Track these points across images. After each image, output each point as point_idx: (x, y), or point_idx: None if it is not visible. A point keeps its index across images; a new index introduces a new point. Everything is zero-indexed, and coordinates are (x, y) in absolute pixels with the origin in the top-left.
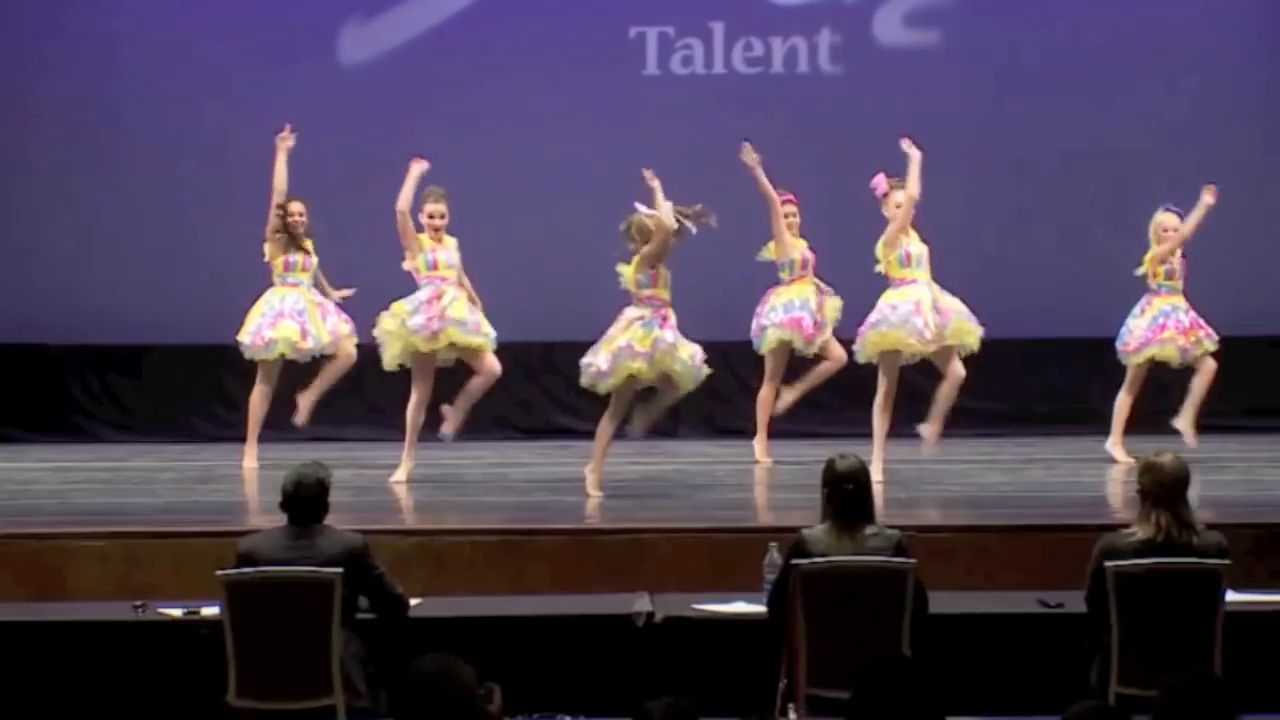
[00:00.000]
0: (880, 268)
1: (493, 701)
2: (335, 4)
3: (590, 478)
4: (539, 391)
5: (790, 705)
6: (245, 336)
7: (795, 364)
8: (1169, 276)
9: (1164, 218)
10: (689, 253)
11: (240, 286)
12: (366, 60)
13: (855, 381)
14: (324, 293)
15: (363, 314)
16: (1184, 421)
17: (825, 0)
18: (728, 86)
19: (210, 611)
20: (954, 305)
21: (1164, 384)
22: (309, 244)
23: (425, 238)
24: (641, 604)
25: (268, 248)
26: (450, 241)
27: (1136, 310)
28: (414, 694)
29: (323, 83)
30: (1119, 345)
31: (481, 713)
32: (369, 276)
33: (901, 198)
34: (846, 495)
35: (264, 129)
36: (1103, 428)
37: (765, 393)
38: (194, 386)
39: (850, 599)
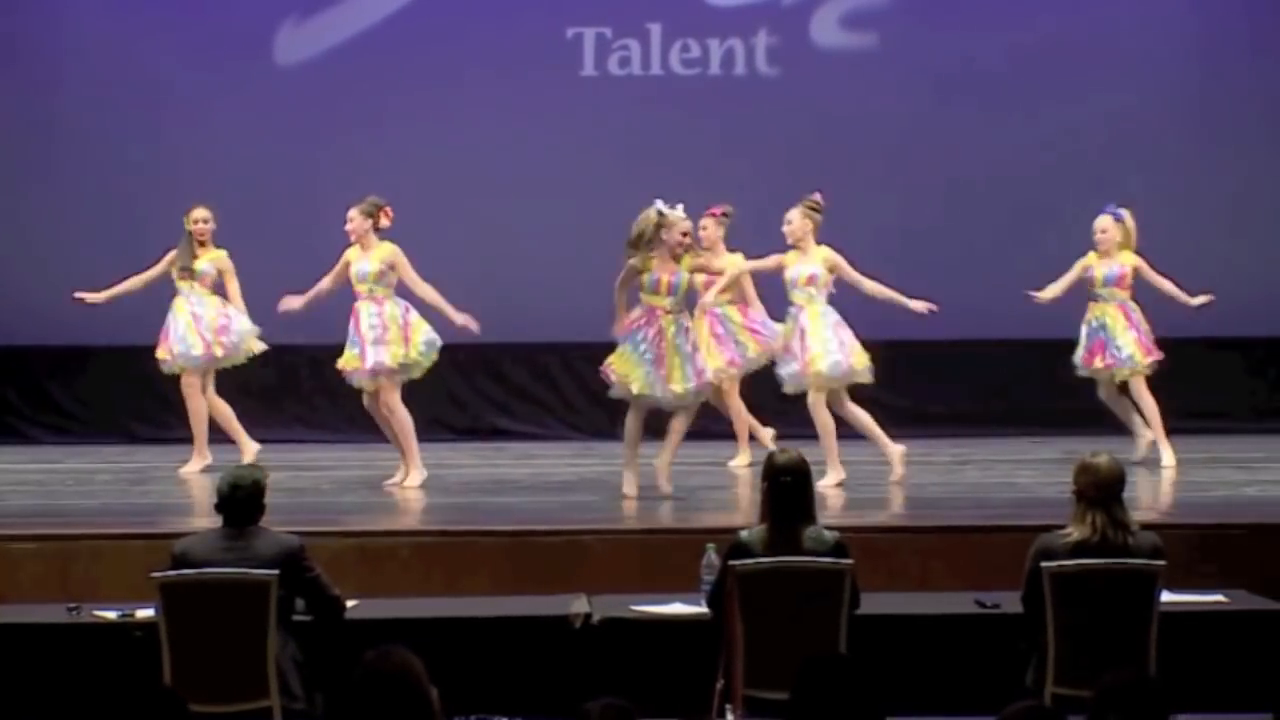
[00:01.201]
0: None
1: (433, 705)
2: (271, 5)
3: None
4: (475, 393)
5: (728, 706)
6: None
7: None
8: (1101, 283)
9: (1097, 220)
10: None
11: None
12: (303, 60)
13: None
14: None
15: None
16: (1158, 440)
17: (762, 2)
18: (665, 88)
19: (145, 613)
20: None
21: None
22: (204, 252)
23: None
24: (579, 605)
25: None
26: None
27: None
28: (365, 686)
29: (260, 83)
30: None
31: (429, 701)
32: (309, 277)
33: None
34: (784, 489)
35: (201, 129)
36: (1031, 428)
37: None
38: (130, 389)
39: (787, 600)
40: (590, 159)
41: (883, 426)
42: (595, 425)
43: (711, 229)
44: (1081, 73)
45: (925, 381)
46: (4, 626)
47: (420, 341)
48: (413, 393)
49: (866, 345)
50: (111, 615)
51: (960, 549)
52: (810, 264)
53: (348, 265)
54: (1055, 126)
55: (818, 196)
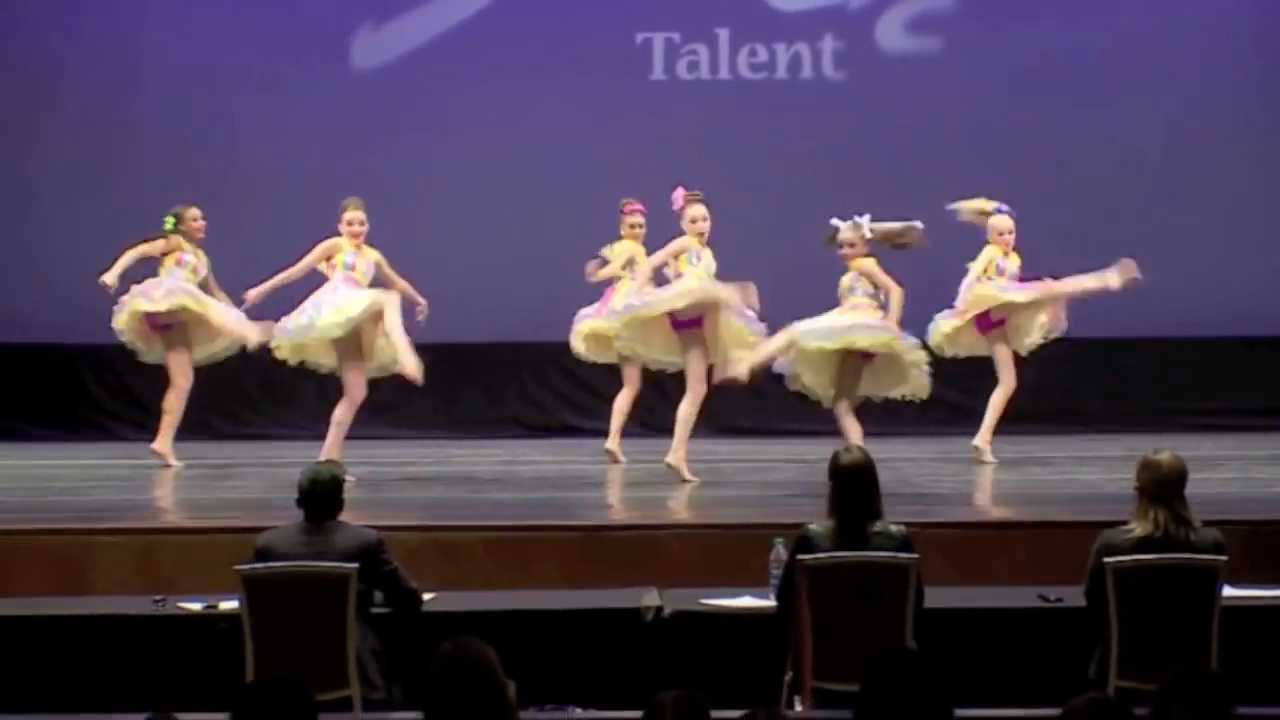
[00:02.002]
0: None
1: (508, 690)
2: (348, 10)
3: None
4: (548, 391)
5: (796, 697)
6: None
7: None
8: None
9: (1006, 220)
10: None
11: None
12: (379, 65)
13: None
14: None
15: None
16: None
17: (828, 7)
18: (732, 92)
19: (229, 605)
20: None
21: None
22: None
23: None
24: (650, 599)
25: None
26: (369, 253)
27: None
28: (442, 676)
29: (337, 87)
30: None
31: (504, 691)
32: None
33: (697, 213)
34: (850, 487)
35: (280, 132)
36: (1092, 426)
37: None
38: (212, 386)
39: (855, 594)
40: (659, 161)
41: (950, 424)
42: (666, 422)
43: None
44: (1144, 72)
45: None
46: (92, 618)
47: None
48: (490, 392)
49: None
50: (196, 607)
51: (1024, 544)
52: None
53: (329, 256)
54: (1119, 125)
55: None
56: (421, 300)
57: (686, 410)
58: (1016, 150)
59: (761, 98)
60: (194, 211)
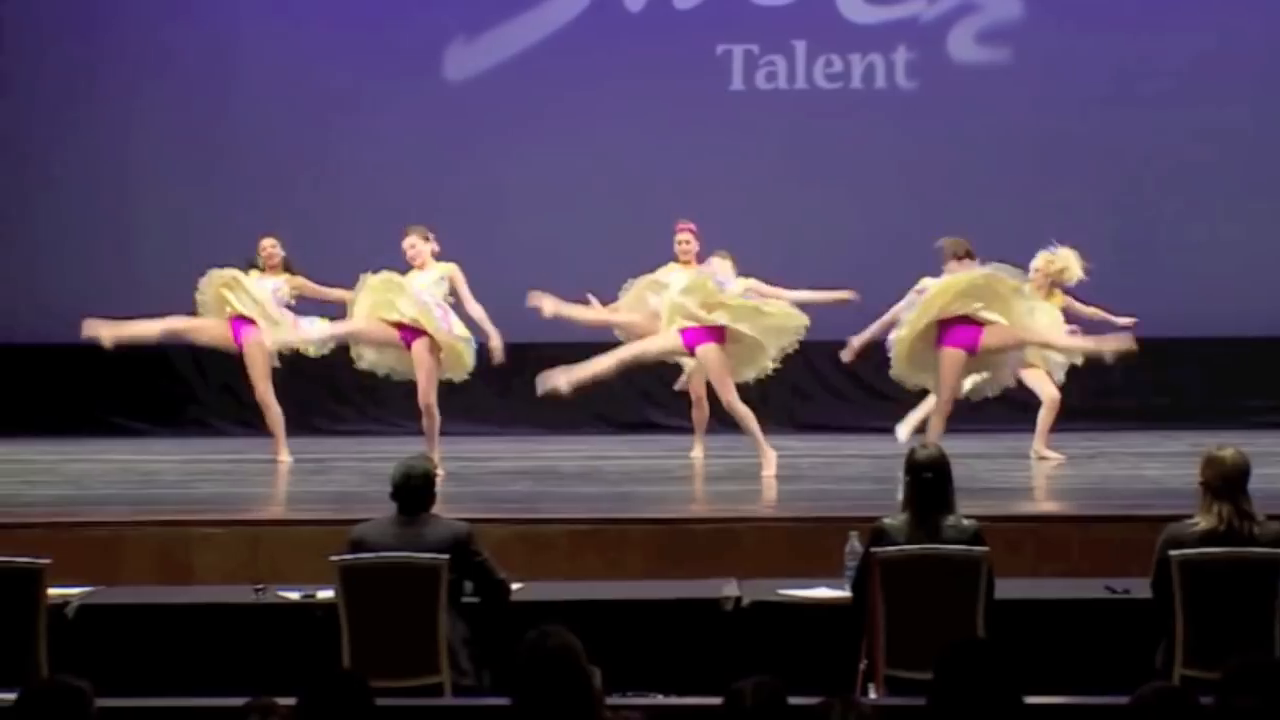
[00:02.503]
0: None
1: (594, 678)
2: (442, 23)
3: None
4: (631, 389)
5: (870, 685)
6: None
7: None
8: None
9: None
10: (779, 258)
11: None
12: (471, 76)
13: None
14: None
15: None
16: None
17: (902, 19)
18: (809, 101)
19: (325, 595)
20: None
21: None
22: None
23: None
24: (729, 589)
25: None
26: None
27: None
28: (528, 663)
29: (430, 98)
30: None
31: (588, 676)
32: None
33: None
34: (925, 483)
35: (374, 143)
36: (1159, 423)
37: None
38: (310, 384)
39: (927, 585)
40: (739, 168)
41: (1018, 420)
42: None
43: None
44: (1213, 84)
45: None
46: (196, 606)
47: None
48: (578, 389)
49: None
50: (294, 596)
51: (1091, 538)
52: None
53: None
54: (1187, 136)
55: None
56: (492, 330)
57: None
58: (1084, 160)
59: (836, 107)
60: (265, 242)
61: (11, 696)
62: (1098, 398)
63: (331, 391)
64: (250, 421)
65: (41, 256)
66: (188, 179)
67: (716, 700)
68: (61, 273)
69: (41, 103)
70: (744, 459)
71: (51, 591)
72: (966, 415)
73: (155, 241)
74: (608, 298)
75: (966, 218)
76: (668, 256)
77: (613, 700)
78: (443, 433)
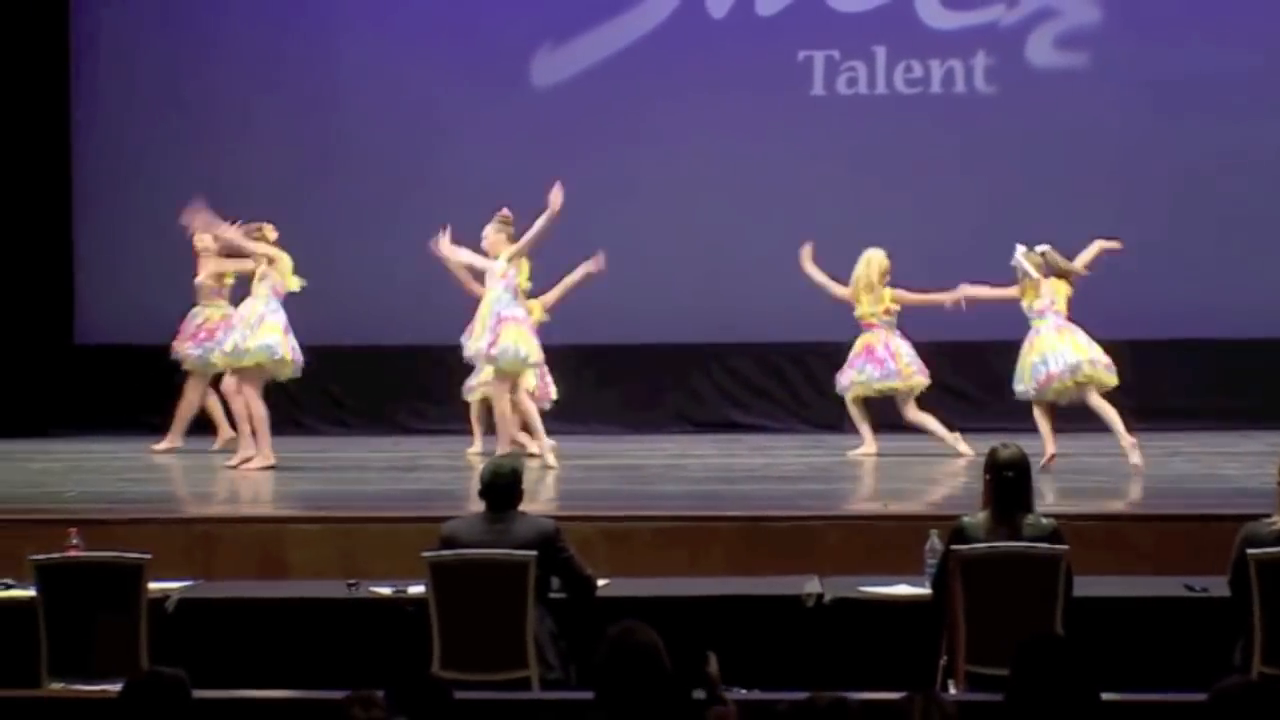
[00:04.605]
0: None
1: (710, 666)
2: (529, 29)
3: None
4: (713, 389)
5: (950, 681)
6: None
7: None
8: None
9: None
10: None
11: (440, 293)
12: (558, 83)
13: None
14: None
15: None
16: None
17: (981, 24)
18: (889, 106)
19: (417, 590)
20: None
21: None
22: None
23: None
24: (812, 586)
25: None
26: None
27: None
28: (608, 657)
29: (517, 104)
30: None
31: (663, 666)
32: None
33: None
34: (1006, 482)
35: (462, 149)
36: (1236, 423)
37: None
38: (398, 384)
39: (1007, 582)
40: (819, 172)
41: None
42: (824, 419)
43: (492, 234)
44: None
45: (1148, 379)
46: (291, 601)
47: None
48: (661, 390)
49: (1103, 345)
50: (386, 592)
51: (1169, 536)
52: None
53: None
54: (1267, 144)
55: None
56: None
57: None
58: (1165, 161)
59: (916, 112)
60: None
61: (115, 688)
62: (1176, 397)
63: (417, 390)
64: (345, 420)
65: (145, 260)
66: (287, 178)
67: (799, 695)
68: (164, 273)
69: (139, 92)
70: (825, 457)
71: (152, 586)
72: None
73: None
74: (684, 293)
75: (1044, 223)
76: (743, 255)
77: (697, 694)
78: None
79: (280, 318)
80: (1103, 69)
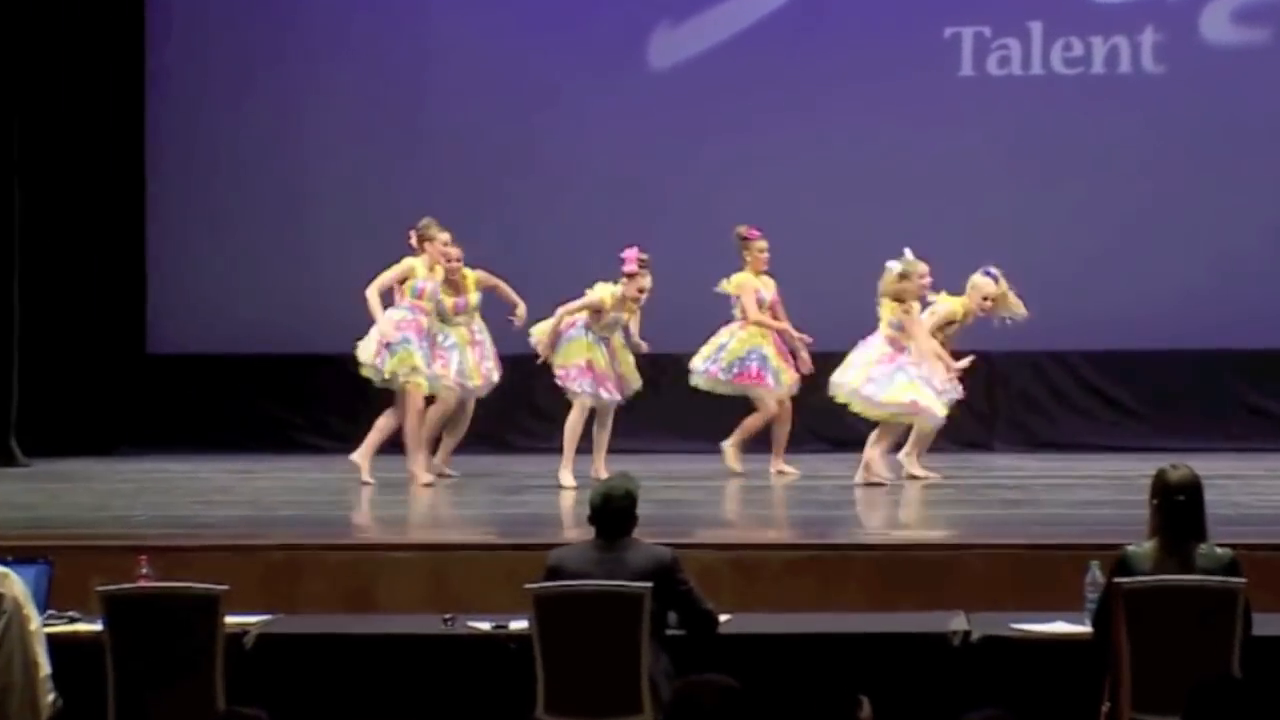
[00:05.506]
0: None
1: (864, 711)
2: (647, 9)
3: None
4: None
5: None
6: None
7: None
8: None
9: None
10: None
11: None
12: (677, 63)
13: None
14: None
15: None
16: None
17: None
18: (1046, 88)
19: (519, 625)
20: None
21: None
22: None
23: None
24: (957, 622)
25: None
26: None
27: None
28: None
29: (634, 86)
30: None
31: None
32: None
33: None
34: (1177, 507)
35: (579, 132)
36: None
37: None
38: (505, 399)
39: (1177, 620)
40: (966, 160)
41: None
42: (969, 437)
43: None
44: None
45: None
46: (381, 637)
47: None
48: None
49: (1247, 354)
50: (485, 627)
51: None
52: None
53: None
54: None
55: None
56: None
57: None
58: None
59: (1076, 94)
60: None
61: None
62: None
63: (528, 407)
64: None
65: (217, 256)
66: (376, 176)
67: None
68: (239, 274)
69: (213, 95)
70: (973, 478)
71: (229, 620)
72: (1213, 432)
73: (336, 241)
74: (818, 303)
75: (1220, 212)
76: (881, 248)
77: None
78: (643, 450)
79: None
80: None
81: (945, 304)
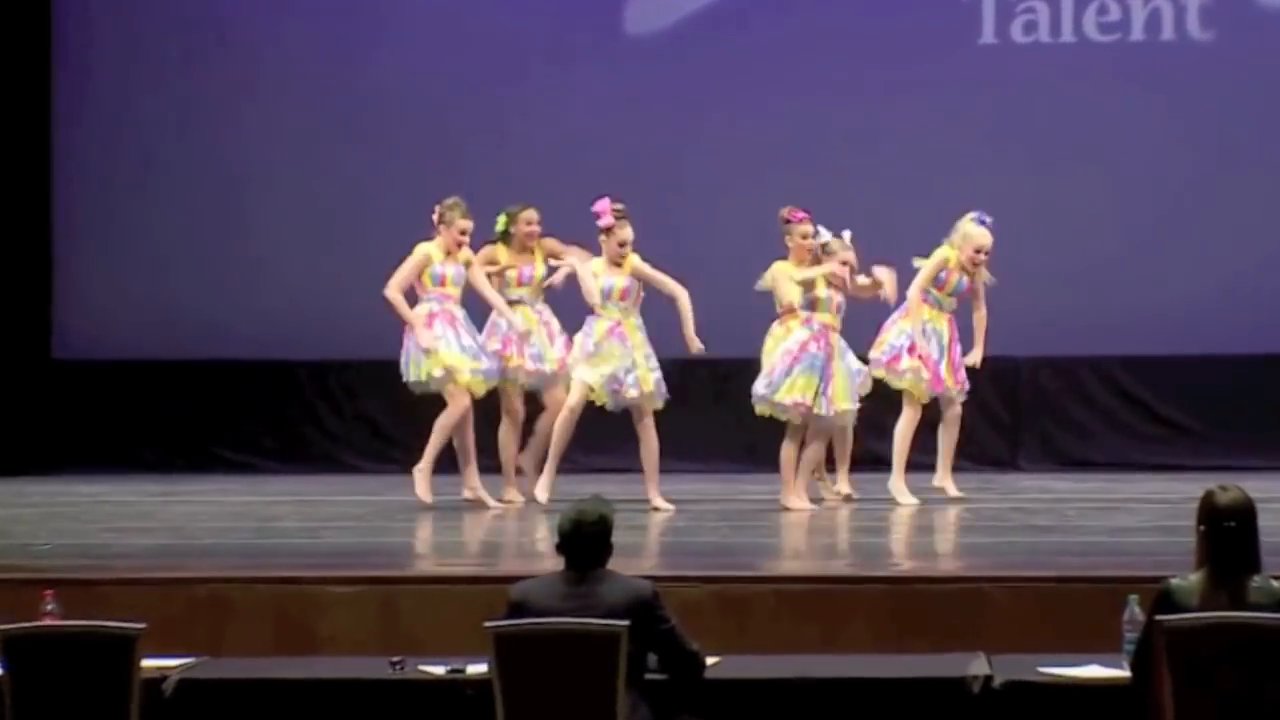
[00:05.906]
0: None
1: None
2: None
3: None
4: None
5: None
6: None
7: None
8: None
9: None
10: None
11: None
12: (655, 30)
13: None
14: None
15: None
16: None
17: None
18: (1077, 57)
19: (477, 669)
20: None
21: None
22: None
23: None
24: (977, 666)
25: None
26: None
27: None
28: None
29: (610, 53)
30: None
31: None
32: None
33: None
34: (1227, 534)
35: (552, 104)
36: None
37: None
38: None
39: (1229, 662)
40: (989, 136)
41: None
42: (992, 454)
43: None
44: None
45: None
46: (320, 683)
47: None
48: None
49: None
50: (439, 671)
51: None
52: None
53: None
54: None
55: None
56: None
57: None
58: None
59: (1112, 63)
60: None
61: None
62: None
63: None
64: (390, 456)
65: (131, 251)
66: (312, 162)
67: None
68: (155, 270)
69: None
70: (998, 501)
71: (145, 663)
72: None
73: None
74: None
75: (1270, 196)
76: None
77: None
78: (621, 469)
79: None
80: None
81: (935, 256)
